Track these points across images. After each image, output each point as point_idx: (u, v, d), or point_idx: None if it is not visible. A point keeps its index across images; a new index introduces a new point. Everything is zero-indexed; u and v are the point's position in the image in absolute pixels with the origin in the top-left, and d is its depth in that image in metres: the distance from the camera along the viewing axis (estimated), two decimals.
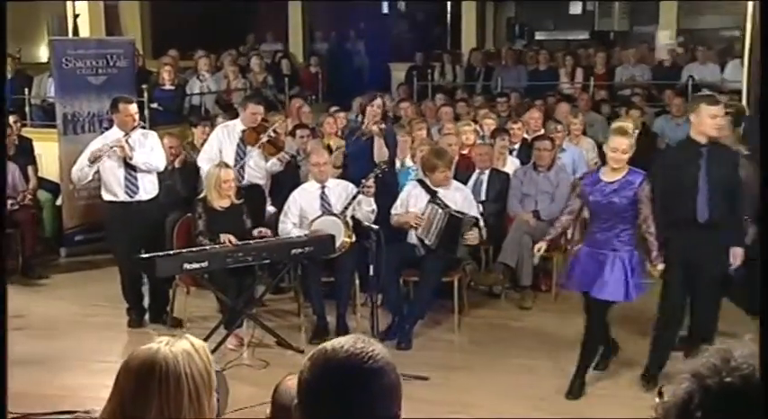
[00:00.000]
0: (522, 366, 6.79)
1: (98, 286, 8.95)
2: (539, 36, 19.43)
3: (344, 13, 18.91)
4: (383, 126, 8.01)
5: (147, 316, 7.91)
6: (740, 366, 1.64)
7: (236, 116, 8.90)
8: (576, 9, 19.71)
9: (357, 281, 7.64)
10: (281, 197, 8.53)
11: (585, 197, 6.09)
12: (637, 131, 8.57)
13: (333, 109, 11.12)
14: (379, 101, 8.09)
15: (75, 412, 2.90)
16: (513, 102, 12.06)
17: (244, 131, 8.33)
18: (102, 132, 9.71)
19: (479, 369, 6.77)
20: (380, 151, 7.87)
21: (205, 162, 8.23)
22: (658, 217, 5.94)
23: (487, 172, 8.48)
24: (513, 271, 8.19)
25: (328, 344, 1.91)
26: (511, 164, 8.93)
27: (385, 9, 20.09)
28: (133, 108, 7.72)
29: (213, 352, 6.70)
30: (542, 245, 6.62)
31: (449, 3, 18.17)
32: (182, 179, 8.81)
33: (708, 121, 5.89)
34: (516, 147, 9.48)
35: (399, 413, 1.90)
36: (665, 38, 15.50)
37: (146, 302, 7.95)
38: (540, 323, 7.76)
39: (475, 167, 8.63)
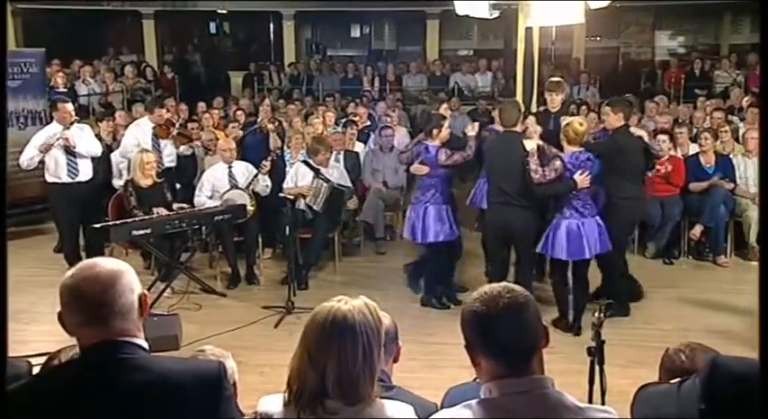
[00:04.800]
0: (384, 294, 6.57)
1: (30, 252, 8.20)
2: (330, 52, 19.49)
3: (182, 31, 18.20)
4: (276, 124, 7.85)
5: None
6: None
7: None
8: (356, 32, 20.02)
9: (260, 240, 7.49)
10: (183, 175, 8.25)
11: None
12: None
13: (201, 105, 10.71)
14: (267, 101, 7.91)
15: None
16: (337, 101, 12.08)
17: (154, 128, 7.91)
18: (20, 127, 8.95)
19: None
20: (275, 141, 7.71)
21: (129, 153, 7.70)
22: None
23: (343, 152, 8.47)
24: (371, 226, 8.27)
25: (494, 287, 1.97)
26: (358, 146, 8.99)
27: (213, 29, 19.52)
28: (70, 106, 7.14)
29: (155, 300, 6.52)
30: None
31: (271, 24, 17.83)
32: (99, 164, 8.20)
33: None
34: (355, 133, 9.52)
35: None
36: (432, 55, 16.04)
37: None
38: (392, 263, 7.79)
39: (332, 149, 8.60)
